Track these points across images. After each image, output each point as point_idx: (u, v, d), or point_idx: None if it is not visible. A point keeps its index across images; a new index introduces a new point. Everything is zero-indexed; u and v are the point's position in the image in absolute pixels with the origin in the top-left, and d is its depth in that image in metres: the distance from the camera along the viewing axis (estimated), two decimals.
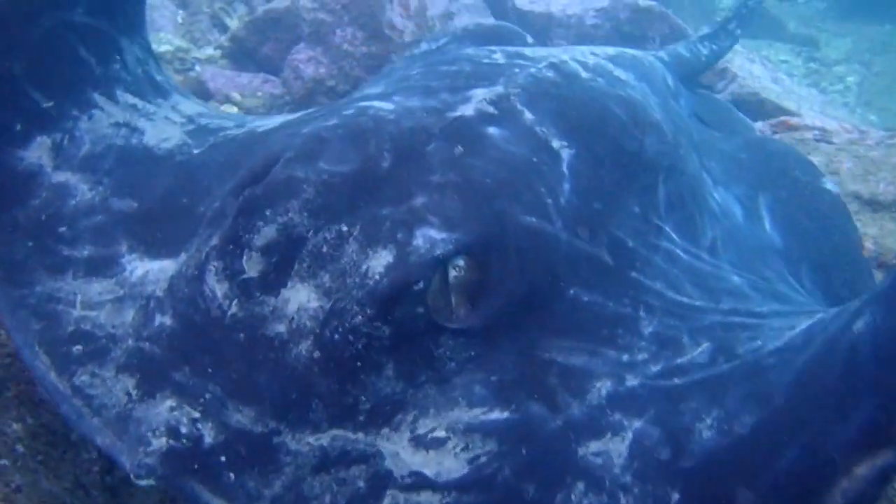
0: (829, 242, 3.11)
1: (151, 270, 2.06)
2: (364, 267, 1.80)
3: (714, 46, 4.65)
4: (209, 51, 5.83)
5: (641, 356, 1.97)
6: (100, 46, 2.50)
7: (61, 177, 2.28)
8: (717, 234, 2.61)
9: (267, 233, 1.86)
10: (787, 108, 5.00)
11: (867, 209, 3.88)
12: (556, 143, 2.26)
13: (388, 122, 2.12)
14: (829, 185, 3.37)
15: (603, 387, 1.88)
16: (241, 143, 2.51)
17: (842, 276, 3.02)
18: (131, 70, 2.63)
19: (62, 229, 2.15)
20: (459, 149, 2.06)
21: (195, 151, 2.50)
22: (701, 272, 2.35)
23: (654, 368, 1.94)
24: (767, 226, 3.04)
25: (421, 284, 1.79)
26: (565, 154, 2.25)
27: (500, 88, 2.34)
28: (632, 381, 1.89)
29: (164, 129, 2.59)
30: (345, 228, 1.85)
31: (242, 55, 5.60)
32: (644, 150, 2.49)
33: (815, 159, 4.02)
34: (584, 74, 2.64)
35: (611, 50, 3.28)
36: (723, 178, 3.10)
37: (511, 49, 2.85)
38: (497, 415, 1.80)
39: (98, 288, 2.03)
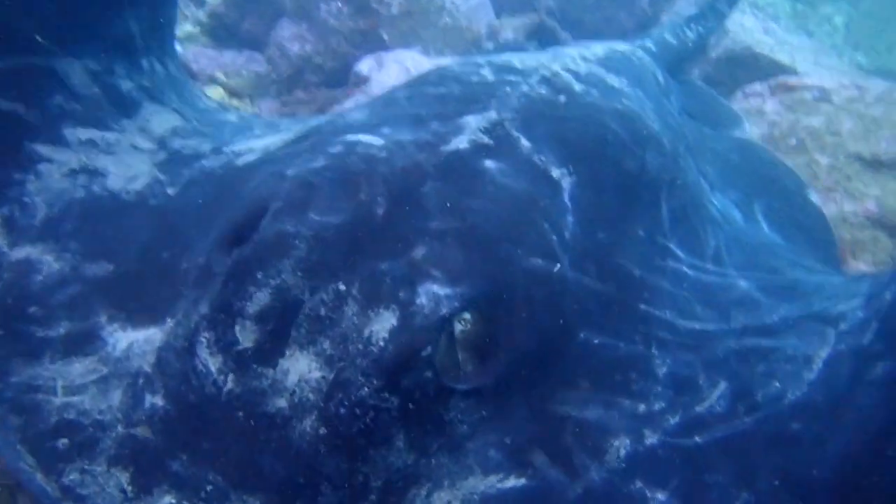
0: (815, 255, 3.06)
1: (136, 342, 1.91)
2: (367, 331, 1.69)
3: (701, 29, 4.56)
4: (188, 27, 5.65)
5: (658, 405, 1.89)
6: (25, 86, 2.21)
7: (20, 253, 2.06)
8: (720, 241, 2.56)
9: (260, 298, 1.74)
10: (782, 62, 4.93)
11: (868, 170, 3.88)
12: (556, 173, 2.16)
13: (379, 161, 2.00)
14: (813, 196, 3.41)
15: (622, 446, 1.80)
16: (221, 180, 2.31)
17: None
18: (81, 94, 2.35)
19: (32, 309, 1.97)
20: (456, 189, 1.95)
21: (170, 192, 2.30)
22: (709, 287, 2.30)
23: (673, 421, 1.86)
24: (766, 229, 3.01)
25: (429, 349, 1.69)
26: (566, 183, 2.16)
27: (493, 114, 2.22)
28: (651, 438, 1.82)
29: (130, 163, 2.35)
30: (343, 287, 1.74)
31: (223, 31, 5.43)
32: (645, 169, 2.41)
33: (816, 121, 4.00)
34: (577, 88, 2.52)
35: (600, 50, 3.15)
36: (719, 182, 3.06)
37: (498, 60, 2.67)
38: (514, 482, 1.72)
39: (79, 368, 1.87)
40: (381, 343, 1.67)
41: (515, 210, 1.98)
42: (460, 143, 2.08)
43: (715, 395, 1.91)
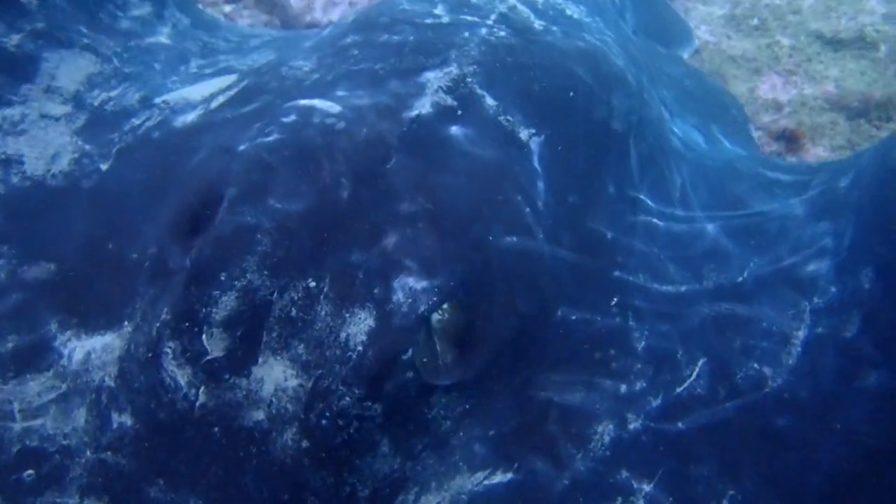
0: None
1: (93, 351, 1.77)
2: (343, 335, 1.61)
3: None
4: None
5: (639, 384, 1.88)
6: None
7: None
8: (685, 176, 2.50)
9: (226, 303, 1.63)
10: None
11: (828, 49, 3.92)
12: (524, 134, 2.05)
13: (338, 134, 1.84)
14: (753, 132, 3.43)
15: (605, 432, 1.79)
16: (159, 148, 2.12)
17: None
18: None
19: None
20: (424, 163, 1.83)
21: (102, 167, 2.09)
22: (679, 238, 2.26)
23: (655, 403, 1.86)
24: (727, 143, 2.98)
25: (409, 352, 1.63)
26: (535, 144, 2.06)
27: (454, 69, 2.06)
28: (634, 422, 1.81)
29: (46, 139, 2.10)
30: (313, 284, 1.65)
31: None
32: (613, 115, 2.31)
33: None
34: (537, 25, 2.33)
35: None
36: (677, 107, 2.96)
37: None
38: (500, 477, 1.69)
39: (35, 387, 1.73)
40: (360, 348, 1.61)
41: (487, 184, 1.89)
42: (423, 106, 1.95)
43: (694, 373, 1.91)
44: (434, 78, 2.02)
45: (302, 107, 1.94)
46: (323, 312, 1.63)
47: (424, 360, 1.67)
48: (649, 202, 2.30)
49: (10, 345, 1.79)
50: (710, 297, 2.08)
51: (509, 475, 1.70)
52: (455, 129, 1.94)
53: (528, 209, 1.93)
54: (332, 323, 1.62)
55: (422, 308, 1.64)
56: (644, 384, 1.88)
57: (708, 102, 3.21)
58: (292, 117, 1.90)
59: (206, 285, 1.65)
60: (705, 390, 1.87)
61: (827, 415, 1.75)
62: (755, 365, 1.90)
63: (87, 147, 2.12)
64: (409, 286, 1.65)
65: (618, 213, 2.19)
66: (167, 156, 2.07)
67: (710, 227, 2.30)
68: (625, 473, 1.72)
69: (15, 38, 2.18)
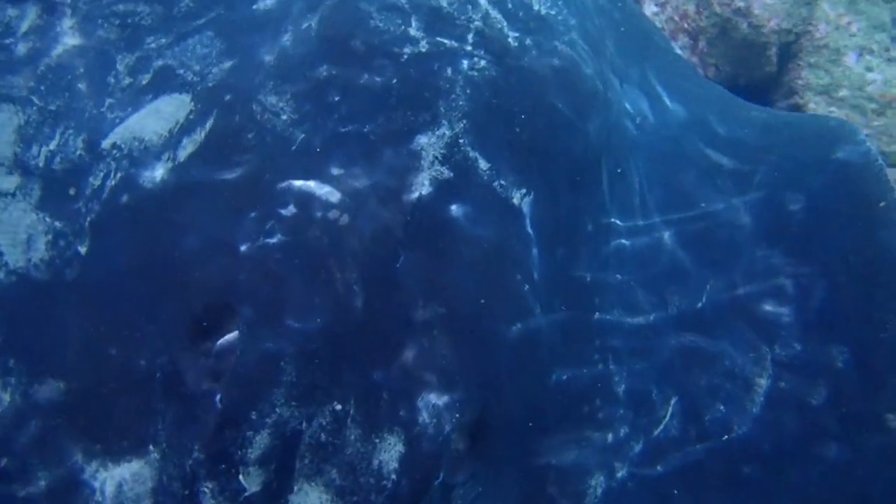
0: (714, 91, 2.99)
1: (124, 482, 1.76)
2: (375, 462, 1.66)
3: None
4: None
5: (622, 430, 2.01)
6: None
7: None
8: (641, 172, 2.49)
9: (260, 442, 1.66)
10: None
11: None
12: (516, 197, 2.04)
13: (344, 233, 1.82)
14: (677, 50, 3.35)
15: (598, 485, 1.92)
16: (137, 224, 1.98)
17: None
18: None
19: (3, 463, 1.76)
20: (431, 257, 1.84)
21: (80, 250, 1.97)
22: (643, 255, 2.30)
23: (637, 448, 2.00)
24: (668, 102, 2.85)
25: (441, 476, 1.69)
26: (526, 206, 2.05)
27: (445, 130, 2.00)
28: (620, 471, 1.96)
29: (13, 222, 1.96)
30: (339, 407, 1.69)
31: None
32: (589, 143, 2.27)
33: None
34: (512, 41, 2.23)
35: None
36: (620, 62, 2.83)
37: (421, 3, 2.22)
38: None
39: None
40: (394, 477, 1.66)
41: (490, 271, 1.91)
42: (422, 186, 1.91)
43: (668, 414, 2.03)
44: (427, 144, 1.97)
45: (299, 193, 1.87)
46: (352, 437, 1.67)
47: (446, 465, 1.72)
48: (618, 222, 2.33)
49: (42, 483, 1.76)
50: (675, 326, 2.18)
51: None
52: (455, 209, 1.92)
53: (527, 286, 1.96)
54: (363, 448, 1.67)
55: (447, 428, 1.69)
56: (626, 429, 2.01)
57: (637, 36, 3.05)
58: (292, 209, 1.84)
59: (238, 427, 1.66)
60: (678, 431, 2.02)
61: (787, 471, 1.91)
62: (721, 407, 2.05)
63: (57, 224, 1.99)
64: (432, 403, 1.70)
65: (595, 250, 2.21)
66: (149, 234, 1.94)
67: (667, 237, 2.36)
68: None
69: None
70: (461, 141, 2.00)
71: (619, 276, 2.23)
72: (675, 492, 1.93)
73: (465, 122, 2.03)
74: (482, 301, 1.86)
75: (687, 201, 2.44)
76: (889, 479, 1.98)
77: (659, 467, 1.98)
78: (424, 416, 1.69)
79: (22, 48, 2.18)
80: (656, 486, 1.94)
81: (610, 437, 2.00)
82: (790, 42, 4.06)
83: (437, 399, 1.71)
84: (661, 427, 2.04)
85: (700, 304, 2.25)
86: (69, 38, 2.22)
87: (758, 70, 4.12)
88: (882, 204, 2.17)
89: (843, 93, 3.89)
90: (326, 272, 1.77)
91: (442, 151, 1.97)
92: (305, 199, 1.87)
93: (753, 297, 2.23)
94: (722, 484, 1.92)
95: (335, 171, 1.92)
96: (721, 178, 2.50)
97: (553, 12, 2.38)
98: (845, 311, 2.14)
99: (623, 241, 2.31)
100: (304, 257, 1.79)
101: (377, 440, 1.68)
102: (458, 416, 1.71)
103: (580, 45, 2.41)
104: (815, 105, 3.92)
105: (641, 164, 2.51)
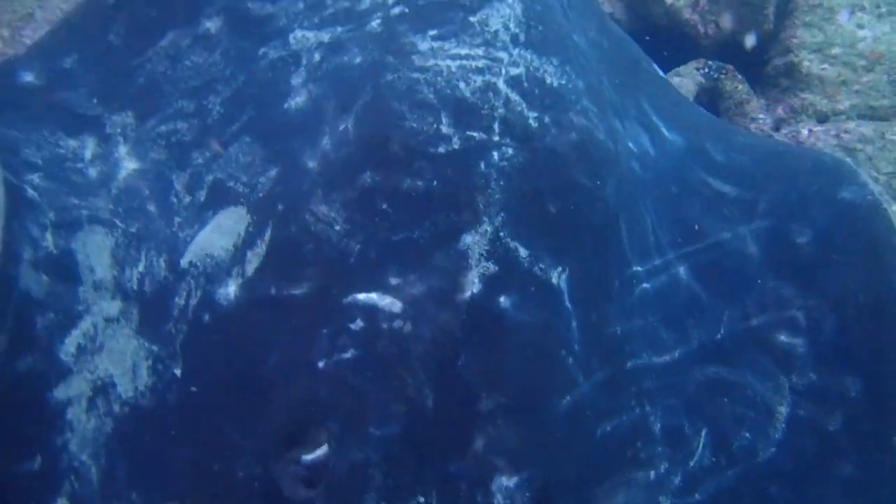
0: (703, 117, 3.12)
1: None
2: None
3: None
4: None
5: (663, 466, 2.18)
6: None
7: None
8: (650, 211, 2.59)
9: None
10: None
11: None
12: (554, 278, 2.14)
13: (409, 340, 1.98)
14: (654, 66, 3.34)
15: None
16: (220, 343, 2.16)
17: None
18: (38, 297, 2.06)
19: None
20: (488, 352, 2.00)
21: (176, 372, 2.13)
22: (663, 295, 2.44)
23: (676, 482, 2.18)
24: (666, 133, 2.93)
25: None
26: (563, 284, 2.16)
27: (487, 226, 2.11)
28: (665, 503, 2.16)
29: (121, 349, 2.13)
30: (422, 500, 1.87)
31: None
32: (609, 207, 2.35)
33: None
34: (532, 122, 2.27)
35: (520, 30, 2.51)
36: (616, 96, 2.83)
37: (447, 96, 2.27)
38: None
39: None
40: None
41: (539, 353, 2.07)
42: (472, 284, 2.03)
43: (700, 445, 2.24)
44: (473, 243, 2.08)
45: (364, 307, 2.04)
46: None
47: None
48: (639, 269, 2.44)
49: None
50: (698, 359, 2.37)
51: None
52: (503, 301, 2.04)
53: (570, 360, 2.13)
54: None
55: None
56: (666, 465, 2.20)
57: (626, 64, 3.07)
58: (360, 323, 2.02)
59: None
60: (710, 461, 2.21)
61: (809, 490, 2.16)
62: (747, 434, 2.27)
63: (155, 348, 2.17)
64: (504, 486, 1.89)
65: (622, 303, 2.35)
66: (234, 353, 2.14)
67: (682, 271, 2.50)
68: None
69: (49, 238, 2.15)
70: (501, 234, 2.10)
71: (644, 319, 2.39)
72: None
73: (503, 214, 2.12)
74: (535, 383, 2.05)
75: (696, 233, 2.59)
76: None
77: (697, 496, 2.16)
78: (499, 499, 1.88)
79: (93, 172, 2.38)
80: None
81: (652, 474, 2.17)
82: (787, 0, 4.27)
83: (508, 481, 1.89)
84: (696, 458, 2.21)
85: (719, 336, 2.40)
86: (128, 163, 2.42)
87: (756, 27, 4.35)
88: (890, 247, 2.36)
89: (835, 50, 4.14)
90: (398, 380, 1.94)
91: (486, 248, 2.07)
92: (370, 312, 2.02)
93: (768, 328, 2.41)
94: (749, 497, 2.15)
95: (393, 280, 2.06)
96: (726, 207, 2.66)
97: (563, 82, 2.43)
98: (856, 345, 2.34)
99: (644, 285, 2.42)
100: (377, 369, 1.96)
101: None
102: (528, 494, 1.90)
103: (591, 110, 2.47)
104: (809, 63, 4.17)
105: (650, 202, 2.59)
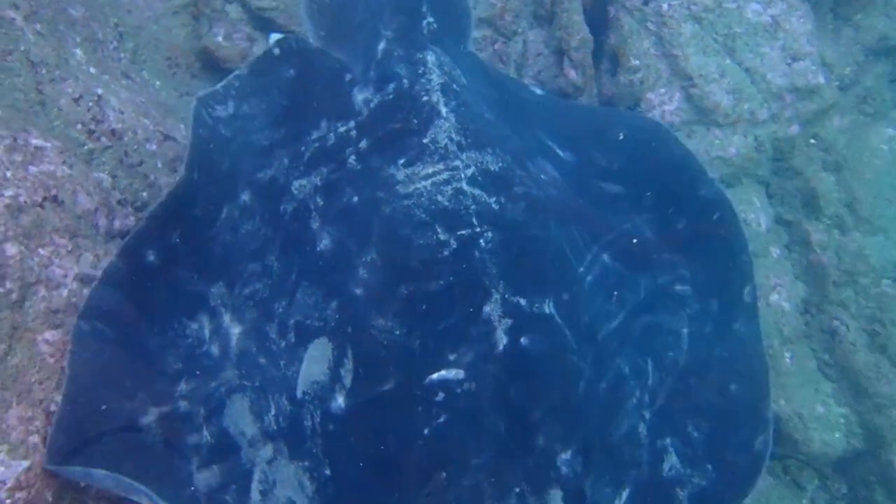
0: (590, 119, 3.76)
1: None
2: None
3: None
4: None
5: (636, 392, 3.00)
6: None
7: None
8: (573, 224, 3.17)
9: None
10: None
11: None
12: (546, 308, 2.76)
13: (474, 397, 2.57)
14: (538, 91, 3.96)
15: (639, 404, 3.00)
16: (354, 448, 2.61)
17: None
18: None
19: None
20: (524, 383, 2.61)
21: (331, 491, 2.65)
22: (601, 280, 3.15)
23: (646, 398, 3.02)
24: (560, 153, 3.56)
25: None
26: (553, 309, 2.79)
27: (495, 294, 2.69)
28: (650, 407, 3.03)
29: (284, 479, 2.64)
30: (518, 490, 2.49)
31: None
32: (557, 239, 3.02)
33: None
34: (494, 206, 2.88)
35: (460, 136, 3.03)
36: (520, 141, 3.35)
37: (434, 210, 2.84)
38: None
39: None
40: None
41: (558, 365, 2.72)
42: (501, 339, 2.64)
43: (650, 370, 3.08)
44: (491, 311, 2.67)
45: (440, 383, 2.60)
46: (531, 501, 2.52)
47: None
48: (581, 269, 3.14)
49: None
50: (633, 315, 3.17)
51: None
52: (524, 341, 2.67)
53: (575, 357, 2.78)
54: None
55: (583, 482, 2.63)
56: (638, 391, 3.00)
57: (515, 103, 3.64)
58: (441, 395, 2.57)
59: None
60: (657, 377, 3.09)
61: (709, 370, 3.15)
62: (670, 353, 3.16)
63: (307, 463, 2.66)
64: (564, 459, 2.59)
65: (582, 298, 3.05)
66: (358, 445, 2.63)
67: (606, 258, 3.22)
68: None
69: (205, 434, 2.62)
70: (507, 296, 2.70)
71: (595, 301, 3.08)
72: (672, 406, 3.00)
73: (502, 281, 2.72)
74: (561, 386, 2.69)
75: (606, 227, 3.32)
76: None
77: (658, 402, 3.00)
78: (564, 469, 2.56)
79: (215, 349, 2.79)
80: (662, 412, 3.01)
81: (634, 400, 2.92)
82: None
83: (565, 455, 2.58)
84: (650, 379, 3.03)
85: (641, 296, 3.20)
86: (234, 329, 2.84)
87: None
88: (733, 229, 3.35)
89: None
90: (478, 423, 2.56)
91: (501, 310, 2.67)
92: (445, 385, 2.58)
93: (669, 283, 3.29)
94: (682, 388, 3.05)
95: (451, 356, 2.60)
96: (619, 203, 3.46)
97: (501, 164, 3.04)
98: (717, 285, 3.34)
99: (588, 277, 3.15)
100: (465, 421, 2.56)
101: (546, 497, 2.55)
102: (579, 458, 2.60)
103: (521, 175, 3.09)
104: None
105: (570, 215, 3.22)
